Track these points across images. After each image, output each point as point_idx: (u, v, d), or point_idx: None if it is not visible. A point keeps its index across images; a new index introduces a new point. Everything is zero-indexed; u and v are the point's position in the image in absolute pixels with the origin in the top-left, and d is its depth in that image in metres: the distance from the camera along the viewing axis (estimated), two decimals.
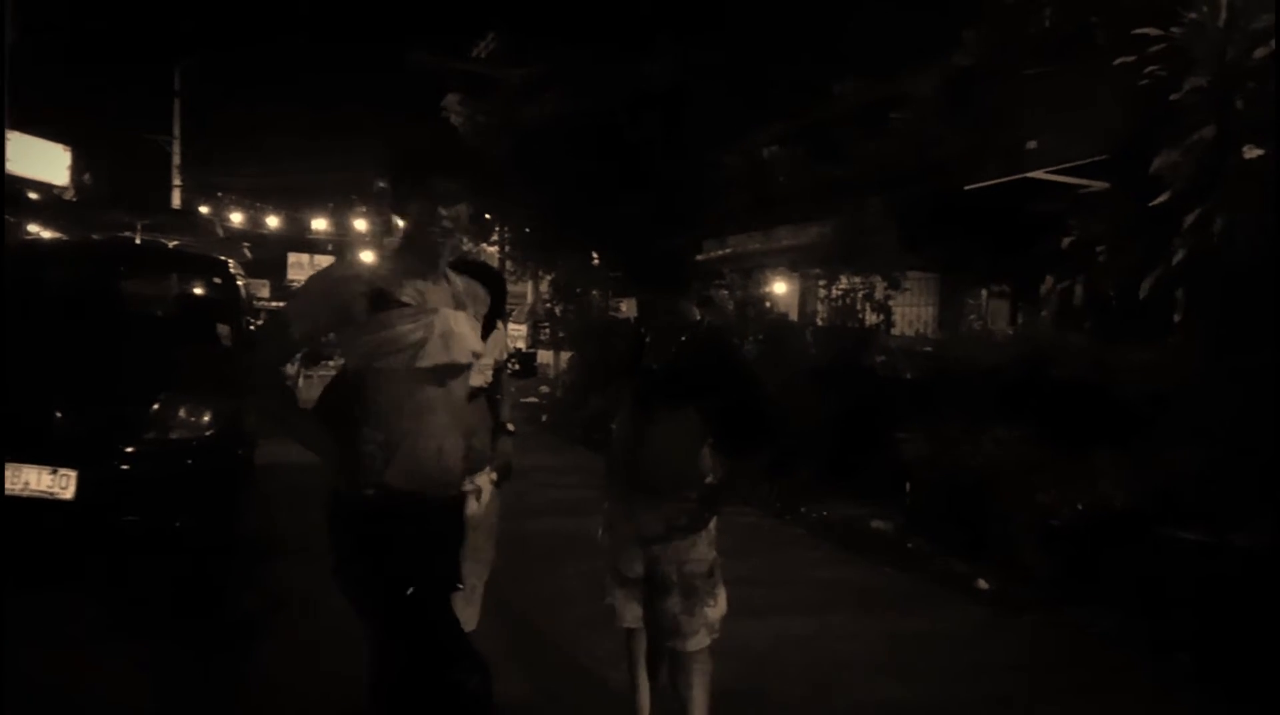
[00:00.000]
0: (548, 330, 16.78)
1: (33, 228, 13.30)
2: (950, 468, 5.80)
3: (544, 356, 17.47)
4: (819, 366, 7.77)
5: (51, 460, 4.11)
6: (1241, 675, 3.69)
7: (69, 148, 16.63)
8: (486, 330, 2.42)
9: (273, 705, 3.28)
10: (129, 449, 4.31)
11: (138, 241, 12.36)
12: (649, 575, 2.81)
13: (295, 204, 30.30)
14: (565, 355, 14.97)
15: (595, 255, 14.39)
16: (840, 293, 8.75)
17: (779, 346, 8.64)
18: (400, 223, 2.17)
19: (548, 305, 16.49)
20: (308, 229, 31.65)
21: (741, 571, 3.60)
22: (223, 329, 5.76)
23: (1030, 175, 7.20)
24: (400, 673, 2.07)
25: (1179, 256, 4.60)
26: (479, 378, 2.67)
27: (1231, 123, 4.47)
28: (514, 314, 18.09)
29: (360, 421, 2.08)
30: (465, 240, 16.01)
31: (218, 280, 6.30)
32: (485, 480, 2.87)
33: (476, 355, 2.20)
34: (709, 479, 2.80)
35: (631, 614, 2.90)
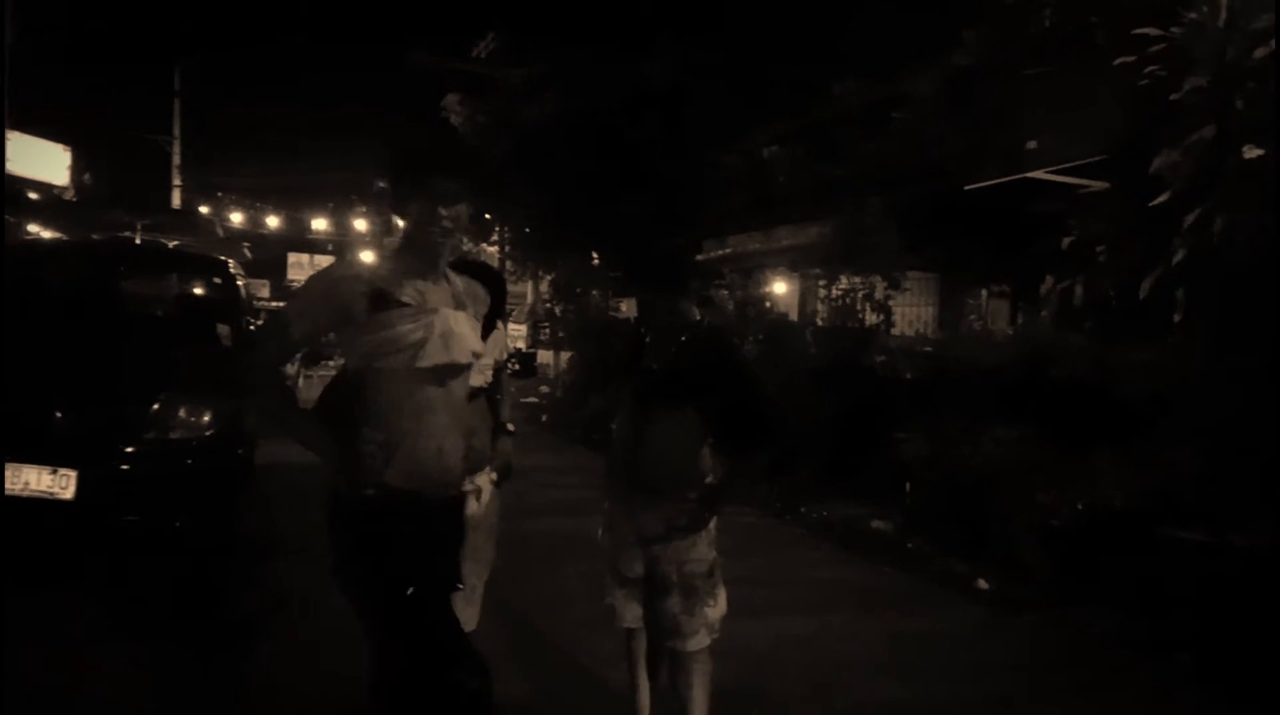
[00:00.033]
0: (548, 330, 16.78)
1: (33, 228, 13.30)
2: (950, 468, 5.80)
3: (544, 356, 17.46)
4: (819, 366, 7.77)
5: (51, 460, 4.10)
6: (1241, 675, 3.70)
7: (69, 148, 16.64)
8: (486, 330, 2.42)
9: (273, 705, 3.28)
10: (129, 449, 4.31)
11: (138, 241, 12.36)
12: (649, 575, 2.81)
13: (295, 204, 30.32)
14: (565, 355, 14.96)
15: (595, 255, 14.39)
16: (840, 293, 8.75)
17: (779, 346, 8.64)
18: (400, 223, 2.17)
19: (548, 305, 16.49)
20: (308, 229, 31.65)
21: (741, 571, 3.60)
22: (223, 329, 5.76)
23: (1030, 175, 7.20)
24: (400, 673, 2.07)
25: (1179, 256, 4.60)
26: (479, 378, 2.67)
27: (1231, 123, 4.47)
28: (514, 314, 18.09)
29: (360, 421, 2.08)
30: (465, 240, 16.02)
31: (218, 280, 6.30)
32: (485, 480, 2.87)
33: (476, 355, 2.20)
34: (709, 479, 2.80)
35: (631, 614, 2.90)
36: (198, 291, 6.81)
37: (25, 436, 4.13)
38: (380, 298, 2.06)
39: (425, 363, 2.07)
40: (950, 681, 3.78)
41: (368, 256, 19.42)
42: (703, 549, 2.79)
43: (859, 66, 11.21)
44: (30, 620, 3.66)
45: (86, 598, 4.12)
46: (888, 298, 8.62)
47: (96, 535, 4.32)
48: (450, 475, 2.19)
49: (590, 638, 3.83)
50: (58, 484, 4.10)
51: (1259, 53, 4.34)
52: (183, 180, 23.28)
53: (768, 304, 10.79)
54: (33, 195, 14.35)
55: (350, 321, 2.07)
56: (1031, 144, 7.05)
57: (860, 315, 8.63)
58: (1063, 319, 6.38)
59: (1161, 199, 4.67)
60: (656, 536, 2.75)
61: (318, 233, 31.89)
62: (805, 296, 12.67)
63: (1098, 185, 6.41)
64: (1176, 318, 5.24)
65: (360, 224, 30.24)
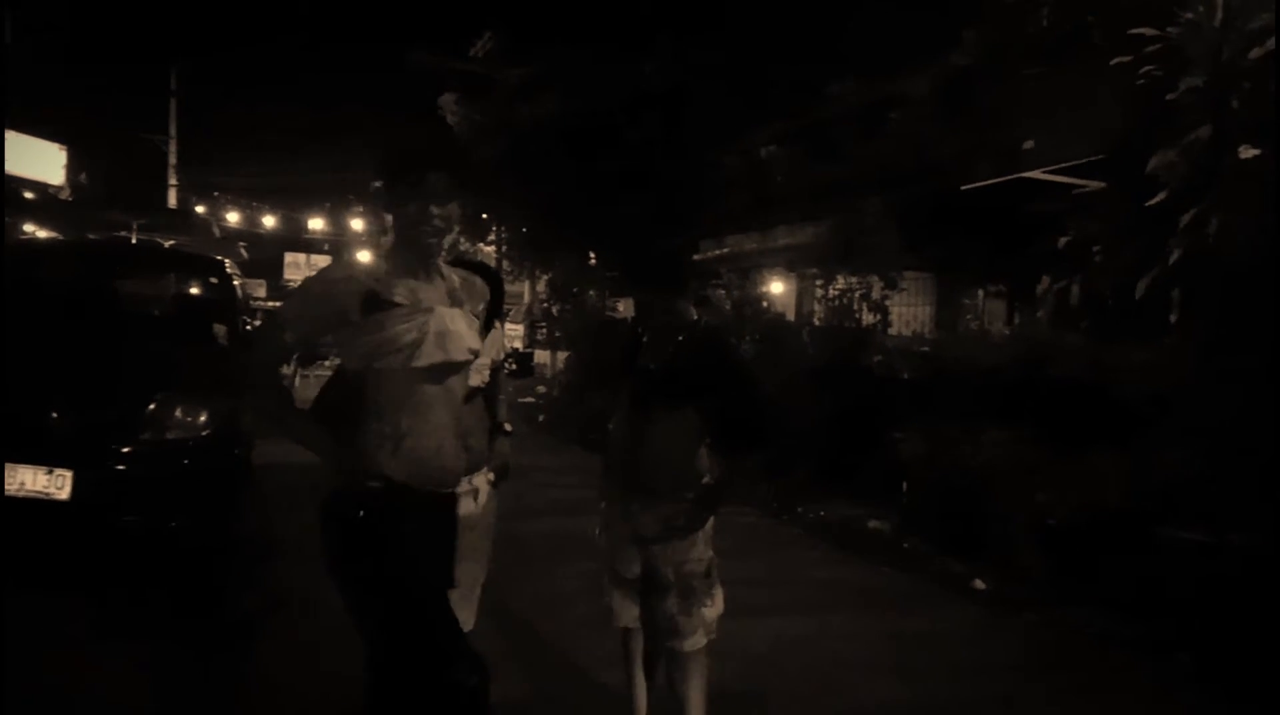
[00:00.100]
0: (545, 330, 16.78)
1: (28, 227, 13.27)
2: (947, 467, 5.80)
3: (541, 356, 17.44)
4: (816, 366, 7.77)
5: (47, 460, 4.09)
6: (1241, 675, 3.70)
7: (65, 147, 16.61)
8: (485, 328, 2.41)
9: (273, 705, 3.28)
10: (125, 449, 4.30)
11: (134, 241, 12.33)
12: (646, 575, 2.81)
13: (292, 204, 30.28)
14: (562, 355, 14.96)
15: (592, 255, 14.38)
16: (837, 293, 8.76)
17: (776, 346, 8.64)
18: (391, 222, 2.16)
19: (545, 305, 16.49)
20: (304, 229, 31.60)
21: (739, 572, 3.59)
22: (219, 329, 5.75)
23: (1027, 175, 7.21)
24: (399, 672, 2.07)
25: (1175, 256, 4.60)
26: (476, 378, 2.67)
27: (1227, 123, 4.47)
28: (511, 314, 18.07)
29: (359, 420, 2.08)
30: (463, 240, 16.01)
31: (214, 280, 6.29)
32: (483, 480, 2.87)
33: (474, 352, 2.20)
34: (706, 479, 2.80)
35: (628, 614, 2.90)
36: (194, 291, 6.81)
37: (21, 436, 4.12)
38: (375, 298, 2.06)
39: (421, 362, 2.07)
40: (949, 681, 3.79)
41: (364, 256, 19.38)
42: (700, 549, 2.79)
43: (856, 66, 11.22)
44: (30, 620, 3.65)
45: (85, 598, 4.11)
46: (885, 298, 8.62)
47: (93, 536, 4.31)
48: (448, 474, 2.18)
49: (588, 638, 3.83)
50: (53, 484, 4.09)
51: (1255, 53, 4.35)
52: (179, 180, 23.25)
53: (765, 304, 10.79)
54: (28, 195, 14.33)
55: (346, 323, 2.07)
56: (1028, 144, 7.06)
57: (857, 315, 8.64)
58: (1059, 319, 6.39)
59: (1158, 199, 4.68)
60: (654, 537, 2.75)
61: (314, 233, 31.84)
62: (802, 296, 12.68)
63: (1094, 185, 6.42)
64: (1173, 318, 5.24)
65: (357, 224, 30.20)
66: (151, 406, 4.40)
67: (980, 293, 10.77)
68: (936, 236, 8.89)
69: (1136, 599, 4.36)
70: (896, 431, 6.39)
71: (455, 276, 2.26)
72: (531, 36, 14.04)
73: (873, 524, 6.37)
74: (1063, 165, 6.79)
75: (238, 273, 6.88)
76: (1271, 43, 4.22)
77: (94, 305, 5.42)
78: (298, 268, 31.95)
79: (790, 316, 11.64)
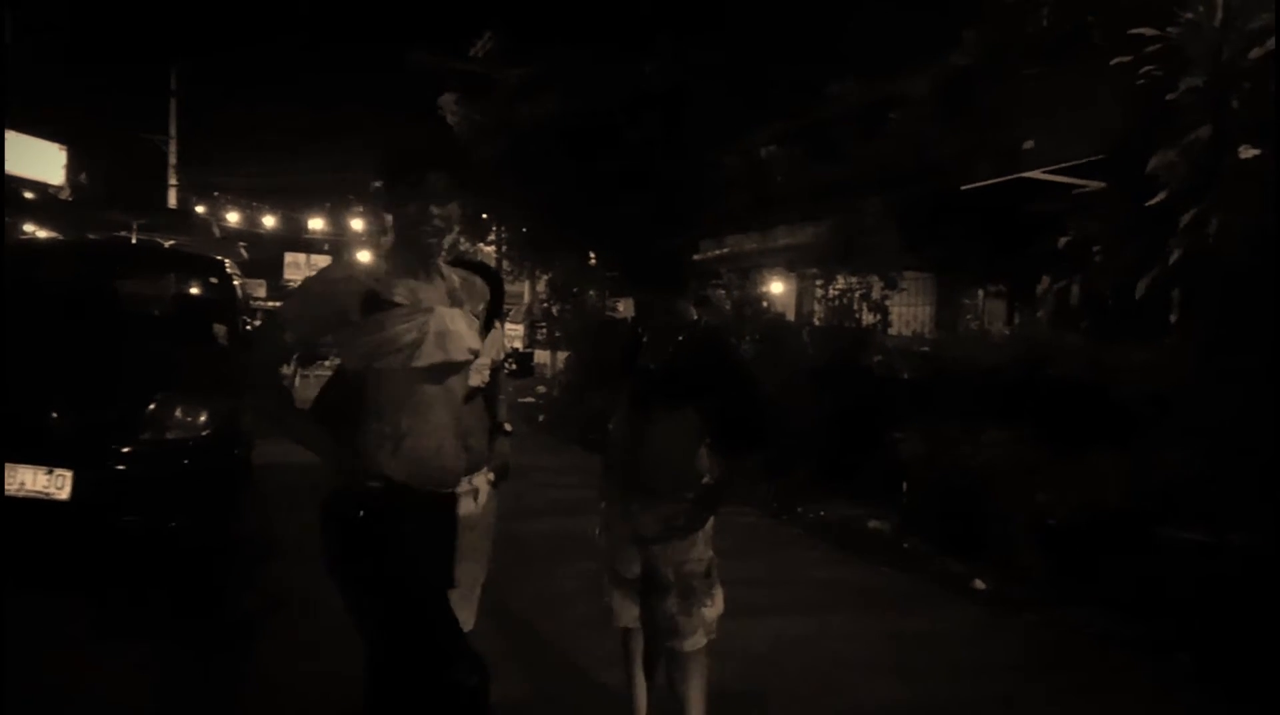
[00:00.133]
0: (545, 330, 16.78)
1: (28, 227, 13.27)
2: (947, 467, 5.80)
3: (541, 356, 17.44)
4: (816, 366, 7.77)
5: (47, 460, 4.09)
6: (1241, 675, 3.70)
7: (64, 147, 16.61)
8: (485, 328, 2.41)
9: (273, 705, 3.28)
10: (125, 449, 4.30)
11: (134, 241, 12.33)
12: (646, 575, 2.81)
13: (292, 204, 30.27)
14: (562, 355, 14.96)
15: (592, 255, 14.38)
16: (837, 293, 8.76)
17: (776, 346, 8.64)
18: (391, 222, 2.16)
19: (545, 305, 16.49)
20: (304, 229, 31.60)
21: (739, 571, 3.59)
22: (219, 329, 5.75)
23: (1027, 175, 7.21)
24: (399, 672, 2.07)
25: (1175, 256, 4.60)
26: (476, 378, 2.67)
27: (1227, 123, 4.47)
28: (511, 314, 18.07)
29: (359, 420, 2.08)
30: (463, 240, 16.00)
31: (214, 280, 6.29)
32: (483, 480, 2.87)
33: (474, 352, 2.20)
34: (706, 479, 2.80)
35: (628, 614, 2.90)
36: (194, 291, 6.81)
37: (21, 436, 4.12)
38: (375, 299, 2.06)
39: (421, 363, 2.07)
40: (949, 681, 3.79)
41: (365, 256, 19.39)
42: (700, 549, 2.79)
43: (856, 66, 11.23)
44: (30, 621, 3.66)
45: (85, 598, 4.12)
46: (885, 298, 8.62)
47: (92, 536, 4.31)
48: (448, 474, 2.19)
49: (588, 638, 3.83)
50: (53, 484, 4.09)
51: (1255, 53, 4.35)
52: (179, 180, 23.25)
53: (765, 304, 10.79)
54: (28, 195, 14.33)
55: (346, 323, 2.07)
56: (1028, 144, 7.06)
57: (857, 315, 8.64)
58: (1059, 319, 6.39)
59: (1158, 199, 4.68)
60: (654, 537, 2.75)
61: (314, 233, 31.84)
62: (802, 296, 12.67)
63: (1094, 185, 6.41)
64: (1172, 318, 5.24)
65: (357, 224, 30.21)
66: (151, 406, 4.40)
67: (980, 293, 10.77)
68: (936, 236, 8.89)
69: (1136, 599, 4.36)
70: (896, 431, 6.39)
71: (455, 276, 2.26)
72: (531, 36, 14.04)
73: (873, 524, 6.37)
74: (1063, 165, 6.79)
75: (238, 273, 6.88)
76: (1271, 43, 4.22)
77: (94, 305, 5.42)
78: (298, 268, 31.95)
79: (790, 316, 11.64)
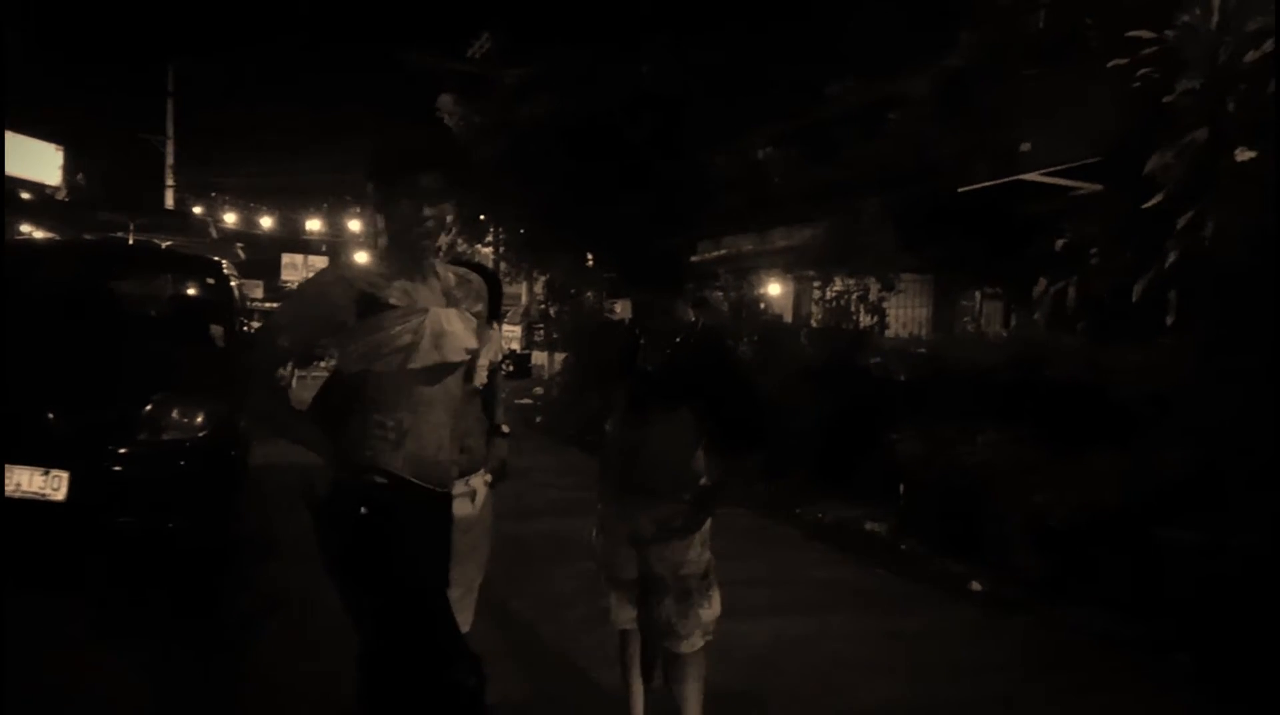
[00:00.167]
0: (542, 331, 16.78)
1: (25, 228, 13.24)
2: (945, 468, 5.81)
3: (538, 358, 17.46)
4: (814, 368, 7.78)
5: (43, 461, 4.09)
6: (1241, 675, 3.71)
7: (61, 147, 16.60)
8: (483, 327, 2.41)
9: (272, 705, 3.28)
10: (121, 450, 4.29)
11: (130, 242, 12.33)
12: (643, 577, 2.81)
13: (289, 204, 30.26)
14: (560, 356, 14.96)
15: (590, 256, 14.38)
16: (835, 294, 8.77)
17: (773, 348, 8.65)
18: (384, 223, 2.16)
19: (542, 306, 16.50)
20: (302, 230, 31.60)
21: (737, 573, 3.60)
22: (216, 330, 5.74)
23: (1024, 177, 7.22)
24: (396, 671, 2.07)
25: (1172, 258, 4.61)
26: (476, 378, 2.67)
27: (1224, 125, 4.48)
28: (509, 315, 18.07)
29: (358, 420, 2.08)
30: (460, 241, 15.99)
31: (211, 281, 6.28)
32: (480, 482, 2.87)
33: (470, 352, 2.19)
34: (703, 481, 2.80)
35: (626, 616, 2.90)
36: (191, 292, 6.80)
37: (17, 437, 4.11)
38: (370, 301, 2.06)
39: (417, 364, 2.07)
40: (947, 682, 3.79)
41: (361, 258, 19.38)
42: (697, 551, 2.79)
43: (854, 67, 11.24)
44: (29, 621, 3.66)
45: (85, 598, 4.12)
46: (882, 299, 8.64)
47: (89, 537, 4.30)
48: (446, 473, 2.19)
49: (586, 638, 3.83)
50: (49, 485, 4.08)
51: (1251, 55, 4.36)
52: (176, 180, 23.23)
53: (762, 305, 10.80)
54: (25, 195, 14.32)
55: (341, 326, 2.07)
56: (1025, 146, 7.07)
57: (855, 317, 8.65)
58: (1056, 320, 6.39)
59: (1155, 201, 4.69)
60: (651, 538, 2.75)
61: (312, 233, 31.84)
62: (800, 298, 12.69)
63: (1091, 187, 6.42)
64: (1169, 319, 5.25)
65: (354, 225, 30.21)
66: (148, 407, 4.39)
67: (977, 294, 10.79)
68: (934, 238, 8.91)
69: (1135, 599, 4.36)
70: (894, 432, 6.40)
71: (451, 275, 2.26)
72: (530, 37, 14.05)
73: (870, 525, 6.37)
74: (1060, 167, 6.80)
75: (235, 273, 6.87)
76: (1268, 45, 4.23)
77: (90, 306, 5.41)
78: (295, 269, 31.93)
79: (788, 318, 11.66)
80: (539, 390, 14.49)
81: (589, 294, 14.46)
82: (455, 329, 2.14)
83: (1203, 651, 3.89)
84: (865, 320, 8.64)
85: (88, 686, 3.26)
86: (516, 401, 13.19)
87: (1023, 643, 4.35)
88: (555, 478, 7.61)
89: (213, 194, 28.21)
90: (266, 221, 29.62)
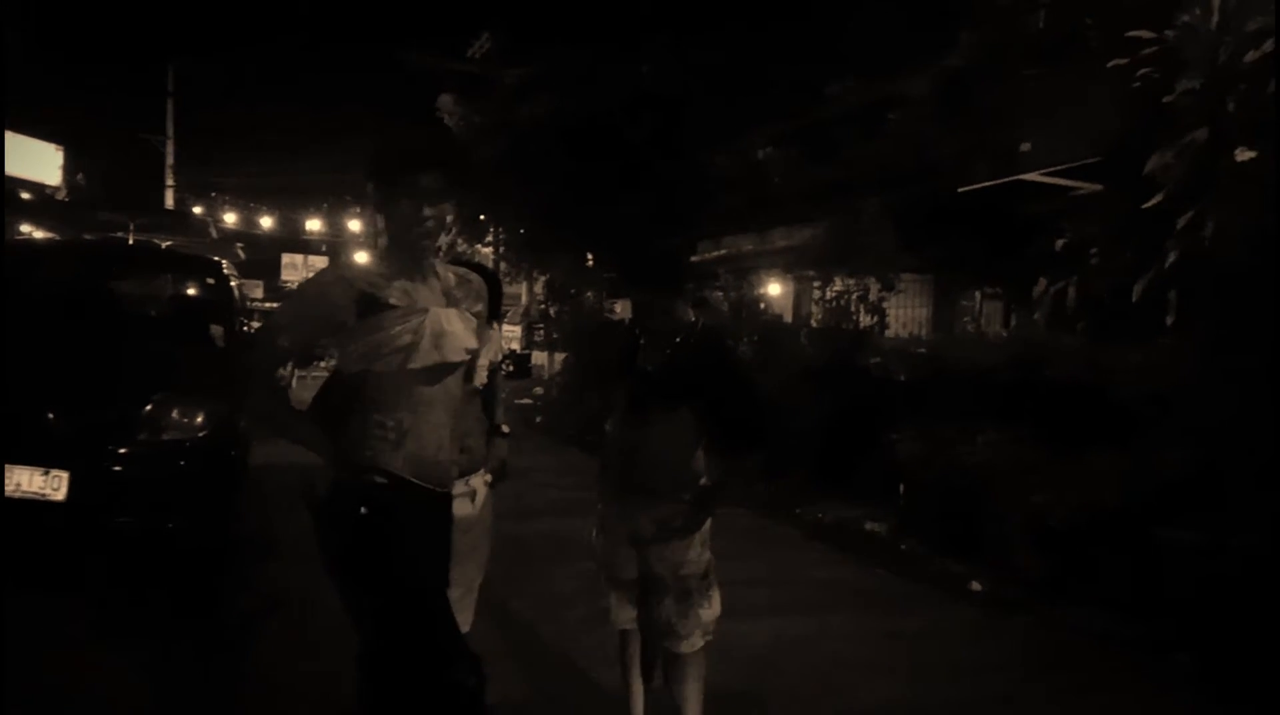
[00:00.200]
0: (542, 331, 16.78)
1: (25, 228, 13.25)
2: (944, 468, 5.81)
3: (538, 358, 17.46)
4: (814, 368, 7.78)
5: (43, 461, 4.09)
6: (1241, 675, 3.71)
7: (61, 147, 16.60)
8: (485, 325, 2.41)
9: (272, 705, 3.28)
10: (121, 450, 4.29)
11: (130, 242, 12.33)
12: (643, 577, 2.81)
13: (289, 204, 30.26)
14: (559, 356, 14.96)
15: (590, 256, 14.38)
16: (835, 294, 8.77)
17: (773, 348, 8.65)
18: (383, 223, 2.16)
19: (542, 306, 16.49)
20: (302, 230, 31.60)
21: (737, 573, 3.60)
22: (216, 330, 5.74)
23: (1024, 177, 7.22)
24: (396, 671, 2.07)
25: (1172, 258, 4.61)
26: (477, 378, 2.67)
27: (1224, 125, 4.48)
28: (509, 315, 18.07)
29: (360, 418, 2.08)
30: (460, 241, 15.98)
31: (211, 281, 6.28)
32: (480, 482, 2.87)
33: (470, 352, 2.19)
34: (703, 481, 2.80)
35: (626, 616, 2.90)
36: (191, 292, 6.80)
37: (17, 437, 4.11)
38: (369, 301, 2.06)
39: (417, 364, 2.07)
40: (948, 682, 3.79)
41: (361, 258, 19.39)
42: (697, 551, 2.79)
43: (855, 67, 11.25)
44: (29, 621, 3.66)
45: (85, 598, 4.12)
46: (882, 299, 8.64)
47: (89, 537, 4.30)
48: (446, 473, 2.19)
49: (587, 638, 3.83)
50: (49, 485, 4.08)
51: (1251, 55, 4.36)
52: (176, 180, 23.23)
53: (762, 305, 10.80)
54: (25, 195, 14.32)
55: (341, 327, 2.07)
56: (1025, 146, 7.07)
57: (855, 317, 8.65)
58: (1056, 321, 6.40)
59: (1155, 201, 4.69)
60: (651, 538, 2.75)
61: (312, 233, 31.84)
62: (800, 298, 12.70)
63: (1091, 187, 6.42)
64: (1169, 320, 5.25)
65: (354, 225, 30.21)
66: (148, 407, 4.39)
67: (977, 295, 10.79)
68: (934, 238, 8.91)
69: (1135, 599, 4.37)
70: (894, 433, 6.40)
71: (451, 275, 2.26)
72: (530, 37, 14.05)
73: (870, 525, 6.37)
74: (1060, 167, 6.80)
75: (235, 274, 6.87)
76: (1268, 45, 4.23)
77: (90, 306, 5.42)
78: (295, 269, 31.93)
79: (788, 318, 11.66)
80: (539, 390, 14.49)
81: (589, 294, 14.46)
82: (455, 329, 2.14)
83: (1203, 651, 3.89)
84: (865, 320, 8.64)
85: (88, 686, 3.27)
86: (516, 401, 13.19)
87: (1023, 643, 4.35)
88: (555, 478, 7.61)
89: (213, 194, 28.24)
90: (266, 221, 29.63)
